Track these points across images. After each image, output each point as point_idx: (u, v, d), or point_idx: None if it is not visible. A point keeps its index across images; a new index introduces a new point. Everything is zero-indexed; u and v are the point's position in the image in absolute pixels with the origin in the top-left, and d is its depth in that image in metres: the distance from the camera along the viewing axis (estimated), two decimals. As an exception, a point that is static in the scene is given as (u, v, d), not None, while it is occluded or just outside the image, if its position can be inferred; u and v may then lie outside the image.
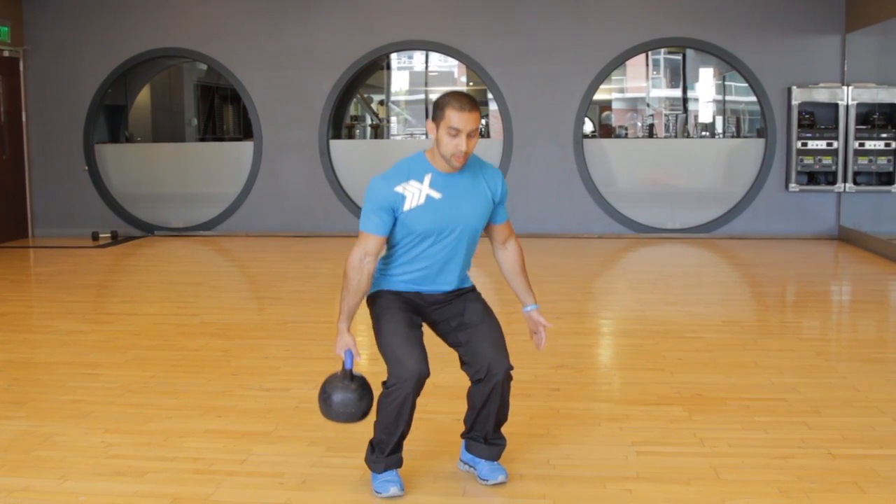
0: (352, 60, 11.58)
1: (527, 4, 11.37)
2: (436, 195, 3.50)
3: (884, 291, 8.42)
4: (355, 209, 11.68)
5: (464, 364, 3.62)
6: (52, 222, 11.98)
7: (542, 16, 11.32)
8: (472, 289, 3.73)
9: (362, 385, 3.55)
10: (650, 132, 12.73)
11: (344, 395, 3.52)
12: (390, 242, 3.61)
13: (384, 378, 3.51)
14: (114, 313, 7.33)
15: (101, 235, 11.54)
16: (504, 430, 3.79)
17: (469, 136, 3.41)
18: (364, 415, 3.57)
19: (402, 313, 3.56)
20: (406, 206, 3.48)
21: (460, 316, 3.63)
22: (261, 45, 11.68)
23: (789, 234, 11.16)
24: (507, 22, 11.35)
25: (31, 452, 4.10)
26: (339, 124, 12.41)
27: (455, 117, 3.39)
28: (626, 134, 12.87)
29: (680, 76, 14.86)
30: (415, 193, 3.48)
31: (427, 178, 3.51)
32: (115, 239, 11.54)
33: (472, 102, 3.43)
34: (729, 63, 11.32)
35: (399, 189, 3.48)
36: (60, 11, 11.81)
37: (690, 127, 12.97)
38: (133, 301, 7.81)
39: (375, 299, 3.64)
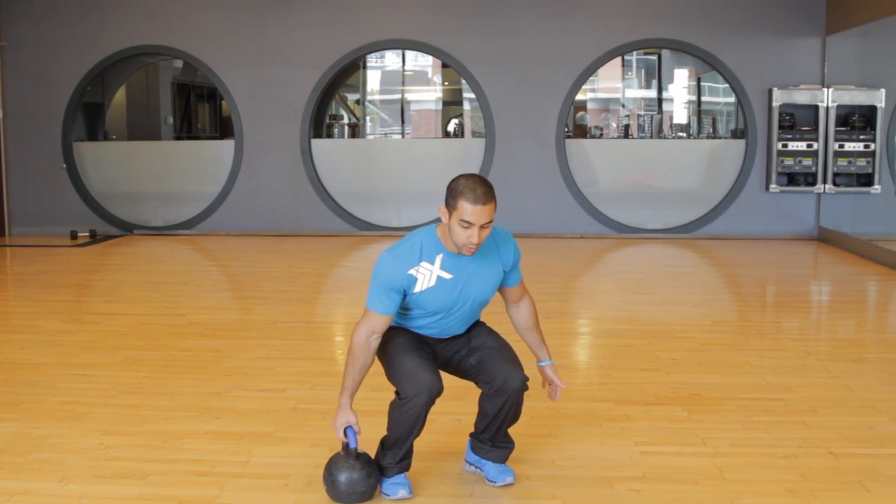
0: (334, 59, 11.54)
1: (509, 4, 11.37)
2: (447, 276, 3.46)
3: (866, 292, 8.52)
4: (336, 208, 11.64)
5: (480, 384, 3.63)
6: (30, 221, 11.83)
7: (524, 15, 11.33)
8: (480, 322, 3.76)
9: (367, 462, 3.52)
10: (626, 132, 12.78)
11: (350, 475, 3.47)
12: (400, 309, 3.57)
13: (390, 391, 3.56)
14: (99, 313, 7.25)
15: (80, 234, 11.42)
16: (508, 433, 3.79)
17: (482, 227, 3.34)
18: (373, 492, 3.53)
19: (410, 341, 3.58)
20: (417, 289, 3.45)
21: (467, 343, 3.65)
22: (242, 43, 11.61)
23: (769, 235, 11.25)
24: (490, 21, 11.36)
25: (29, 455, 4.03)
26: (320, 123, 12.35)
27: (469, 210, 3.29)
28: (601, 134, 12.92)
29: (655, 77, 14.93)
30: (426, 275, 3.44)
31: (438, 260, 3.46)
32: (94, 238, 11.42)
33: (487, 193, 3.31)
34: (710, 64, 11.40)
35: (412, 272, 3.43)
36: (39, 7, 11.66)
37: (666, 127, 13.04)
38: (118, 301, 7.72)
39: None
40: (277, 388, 5.06)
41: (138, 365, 5.52)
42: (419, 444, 3.80)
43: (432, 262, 3.45)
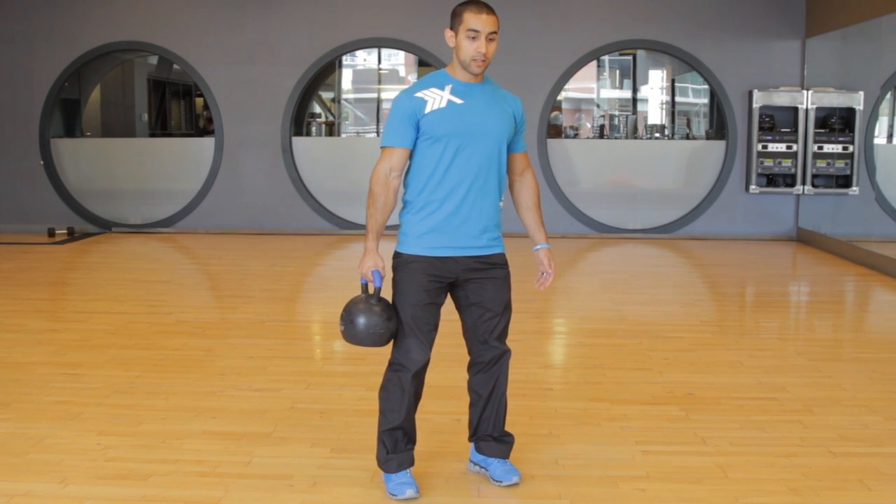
0: (315, 57, 11.49)
1: (491, 3, 11.33)
2: (457, 101, 3.47)
3: (848, 292, 8.62)
4: (318, 207, 11.59)
5: (464, 333, 3.64)
6: (6, 218, 11.66)
7: (506, 16, 11.17)
8: (504, 264, 3.62)
9: (387, 307, 3.47)
10: (601, 133, 12.82)
11: (369, 318, 3.42)
12: (415, 169, 3.51)
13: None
14: (85, 311, 7.15)
15: (58, 231, 11.28)
16: (506, 428, 3.78)
17: (488, 39, 3.42)
18: (392, 336, 3.48)
19: (423, 292, 3.48)
20: (427, 109, 3.43)
21: (481, 296, 3.56)
22: (223, 39, 11.52)
23: (749, 236, 11.33)
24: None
25: (26, 455, 3.97)
26: (301, 121, 12.29)
27: (473, 20, 3.41)
28: (576, 134, 12.95)
29: (630, 77, 14.97)
30: (435, 98, 3.45)
31: (448, 87, 3.49)
32: (72, 235, 11.29)
33: (489, 6, 3.47)
34: (691, 65, 11.47)
35: (419, 94, 3.46)
36: (16, 3, 11.50)
37: (640, 128, 13.07)
38: (102, 299, 7.62)
39: (400, 266, 3.52)
40: (272, 387, 5.02)
41: (128, 364, 5.46)
42: (421, 444, 3.78)
43: (441, 89, 3.47)
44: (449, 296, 3.62)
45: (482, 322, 3.58)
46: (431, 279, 3.48)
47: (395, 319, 3.47)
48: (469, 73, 3.49)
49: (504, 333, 3.65)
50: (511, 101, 3.63)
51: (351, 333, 3.47)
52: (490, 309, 3.57)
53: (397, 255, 3.54)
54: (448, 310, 3.62)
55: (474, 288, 3.56)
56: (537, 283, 3.73)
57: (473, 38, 3.41)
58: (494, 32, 3.44)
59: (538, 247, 3.74)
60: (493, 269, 3.57)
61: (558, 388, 5.12)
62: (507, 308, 3.63)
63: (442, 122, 3.43)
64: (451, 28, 3.49)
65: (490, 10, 3.45)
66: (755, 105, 11.06)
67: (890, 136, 11.10)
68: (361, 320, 3.43)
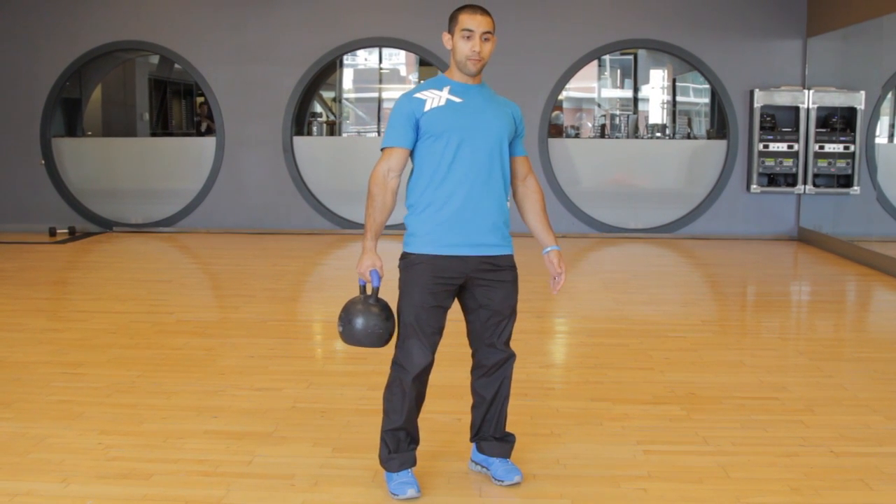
0: (316, 57, 11.49)
1: (492, 2, 11.33)
2: (456, 100, 3.50)
3: (849, 292, 8.62)
4: (318, 206, 11.59)
5: (469, 335, 3.65)
6: (7, 217, 11.67)
7: (507, 15, 11.30)
8: (513, 266, 3.61)
9: (385, 307, 3.49)
10: (602, 132, 12.83)
11: (368, 318, 3.44)
12: (417, 170, 3.53)
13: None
14: (85, 311, 7.15)
15: (59, 231, 11.28)
16: (507, 429, 3.79)
17: (483, 38, 3.46)
18: (390, 336, 3.49)
19: (428, 294, 3.47)
20: (426, 107, 3.46)
21: (490, 299, 3.56)
22: (224, 39, 11.52)
23: (750, 235, 11.34)
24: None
25: (27, 455, 3.97)
26: (302, 121, 12.29)
27: (467, 20, 3.47)
28: (577, 134, 12.95)
29: (630, 77, 14.97)
30: (434, 98, 3.49)
31: (447, 88, 3.53)
32: (73, 235, 11.29)
33: (484, 9, 3.52)
34: (692, 65, 11.47)
35: (418, 95, 3.50)
36: (15, 2, 11.50)
37: (641, 128, 13.08)
38: (103, 298, 7.62)
39: (406, 266, 3.51)
40: (273, 386, 5.02)
41: (130, 363, 5.46)
42: (422, 444, 3.78)
43: (440, 89, 3.52)
44: (456, 299, 3.62)
45: (490, 325, 3.59)
46: (437, 281, 3.48)
47: (393, 319, 3.49)
48: (466, 75, 3.51)
49: (510, 337, 3.66)
50: (510, 105, 3.66)
51: (349, 334, 3.49)
52: (499, 312, 3.58)
53: (404, 256, 3.55)
54: (450, 310, 3.62)
55: (483, 291, 3.56)
56: (552, 287, 3.75)
57: (468, 37, 3.45)
58: (489, 32, 3.48)
59: (548, 249, 3.73)
60: (501, 272, 3.58)
61: (560, 388, 5.12)
62: (514, 311, 3.64)
63: (442, 119, 3.45)
64: (448, 31, 3.53)
65: (484, 11, 3.50)
66: (756, 104, 11.06)
67: (891, 136, 11.10)
68: (360, 321, 3.45)
